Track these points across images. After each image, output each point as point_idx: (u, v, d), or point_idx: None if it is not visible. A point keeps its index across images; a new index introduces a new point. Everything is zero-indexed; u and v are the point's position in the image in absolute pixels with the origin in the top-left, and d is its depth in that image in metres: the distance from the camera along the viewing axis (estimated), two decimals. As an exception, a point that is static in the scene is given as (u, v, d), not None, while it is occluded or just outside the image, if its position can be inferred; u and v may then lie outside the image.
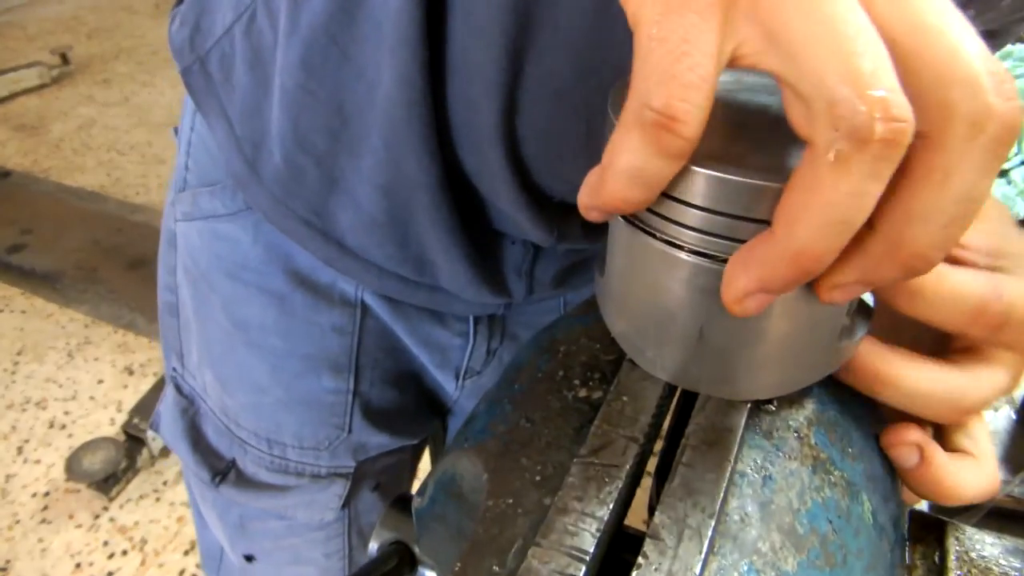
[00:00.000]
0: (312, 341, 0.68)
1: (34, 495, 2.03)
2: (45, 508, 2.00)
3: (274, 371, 0.69)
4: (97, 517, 1.98)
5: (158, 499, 2.03)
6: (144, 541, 1.92)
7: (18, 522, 1.95)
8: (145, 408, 2.09)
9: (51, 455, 2.14)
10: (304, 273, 0.65)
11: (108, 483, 2.00)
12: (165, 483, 2.07)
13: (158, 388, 2.15)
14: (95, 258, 2.92)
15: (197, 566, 1.86)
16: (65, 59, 4.24)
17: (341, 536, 0.79)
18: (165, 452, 2.13)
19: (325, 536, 0.78)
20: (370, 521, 0.79)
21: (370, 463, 0.76)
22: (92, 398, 2.34)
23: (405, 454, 0.82)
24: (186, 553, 1.89)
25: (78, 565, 1.86)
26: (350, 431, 0.72)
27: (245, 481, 0.73)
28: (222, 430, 0.73)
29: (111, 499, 2.02)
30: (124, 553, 1.89)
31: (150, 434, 2.04)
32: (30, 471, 2.10)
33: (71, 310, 2.68)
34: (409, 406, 0.77)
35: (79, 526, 1.96)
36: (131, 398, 2.24)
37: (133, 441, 2.07)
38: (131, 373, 2.43)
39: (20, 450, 2.15)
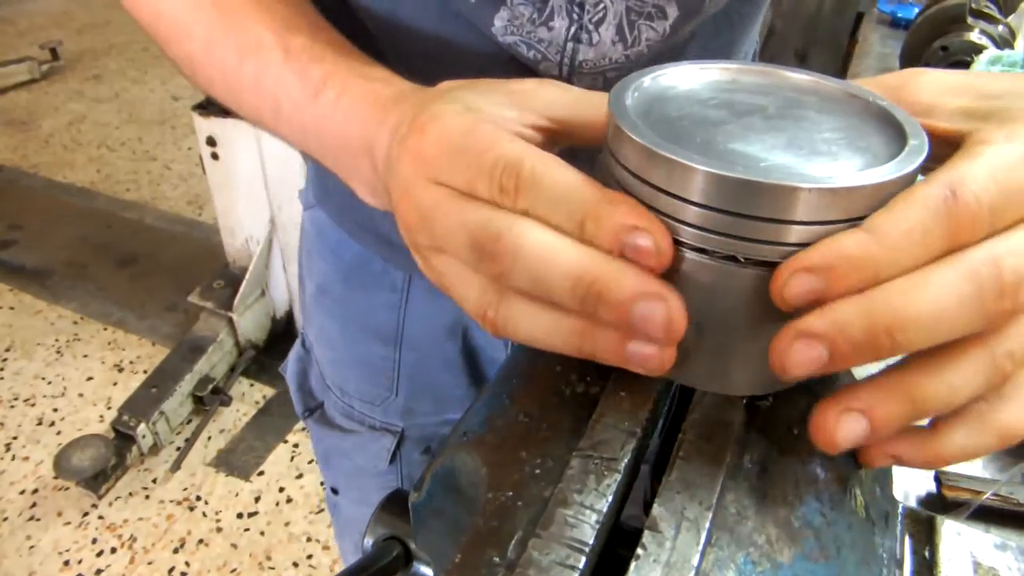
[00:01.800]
0: (368, 313, 0.82)
1: (22, 492, 2.02)
2: (34, 505, 1.99)
3: (342, 333, 0.85)
4: (86, 515, 1.98)
5: (147, 496, 2.03)
6: (133, 539, 1.92)
7: (6, 519, 1.94)
8: (135, 405, 2.09)
9: (40, 452, 2.13)
10: (363, 257, 0.79)
11: (97, 480, 2.00)
12: (155, 481, 2.07)
13: (147, 385, 2.15)
14: (85, 255, 2.91)
15: (187, 564, 1.86)
16: (55, 54, 4.22)
17: (396, 485, 0.92)
18: (154, 450, 2.12)
19: (382, 483, 0.92)
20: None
21: (417, 428, 0.88)
22: (81, 395, 2.33)
23: (448, 431, 0.89)
24: (175, 551, 1.88)
25: (67, 563, 1.86)
26: (397, 394, 0.86)
27: (325, 420, 0.92)
28: (319, 377, 0.92)
29: (100, 496, 2.01)
30: (113, 551, 1.89)
31: (139, 432, 2.04)
32: (18, 468, 2.09)
33: (60, 307, 2.67)
34: (451, 383, 0.86)
35: (68, 524, 1.95)
36: (120, 395, 2.23)
37: (122, 438, 2.06)
38: (120, 370, 2.42)
39: (8, 447, 2.14)
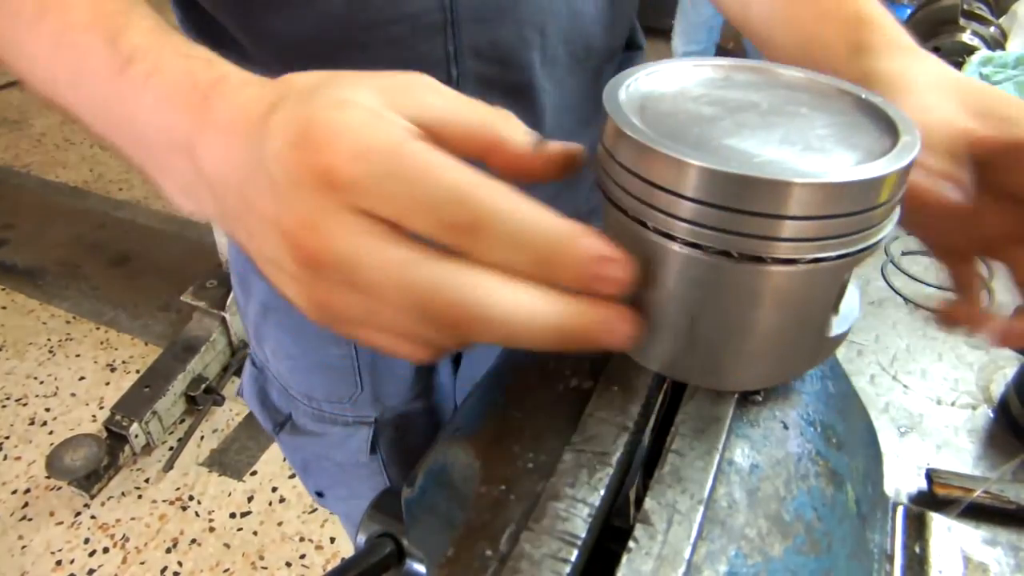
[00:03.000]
0: None
1: (14, 492, 2.01)
2: (26, 505, 1.98)
3: (297, 342, 0.84)
4: (78, 514, 1.97)
5: (140, 496, 2.02)
6: (126, 538, 1.91)
7: (-2, 519, 1.94)
8: (127, 405, 2.08)
9: (32, 452, 2.12)
10: None
11: (89, 480, 1.99)
12: (147, 480, 2.06)
13: (140, 385, 2.14)
14: (77, 254, 2.90)
15: (179, 563, 1.85)
16: (48, 54, 4.21)
17: (381, 474, 0.94)
18: (147, 449, 2.12)
19: (368, 473, 0.93)
20: (401, 461, 0.95)
21: (389, 411, 0.89)
22: (73, 395, 2.32)
23: (419, 405, 0.92)
24: (168, 551, 1.88)
25: (59, 563, 1.85)
26: (362, 388, 0.85)
27: (297, 429, 0.91)
28: (281, 391, 0.90)
29: (92, 496, 2.00)
30: (105, 551, 1.88)
31: (131, 431, 2.03)
32: (10, 468, 2.08)
33: (53, 306, 2.66)
34: (409, 365, 0.87)
35: (60, 523, 1.94)
36: (113, 395, 2.22)
37: (115, 438, 2.05)
38: (113, 370, 2.41)
39: (0, 447, 2.14)
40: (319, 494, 1.01)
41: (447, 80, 0.59)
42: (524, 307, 0.28)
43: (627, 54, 0.78)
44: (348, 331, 0.32)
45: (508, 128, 0.32)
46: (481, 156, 0.32)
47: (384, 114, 0.29)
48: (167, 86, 0.36)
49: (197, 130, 0.34)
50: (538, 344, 0.29)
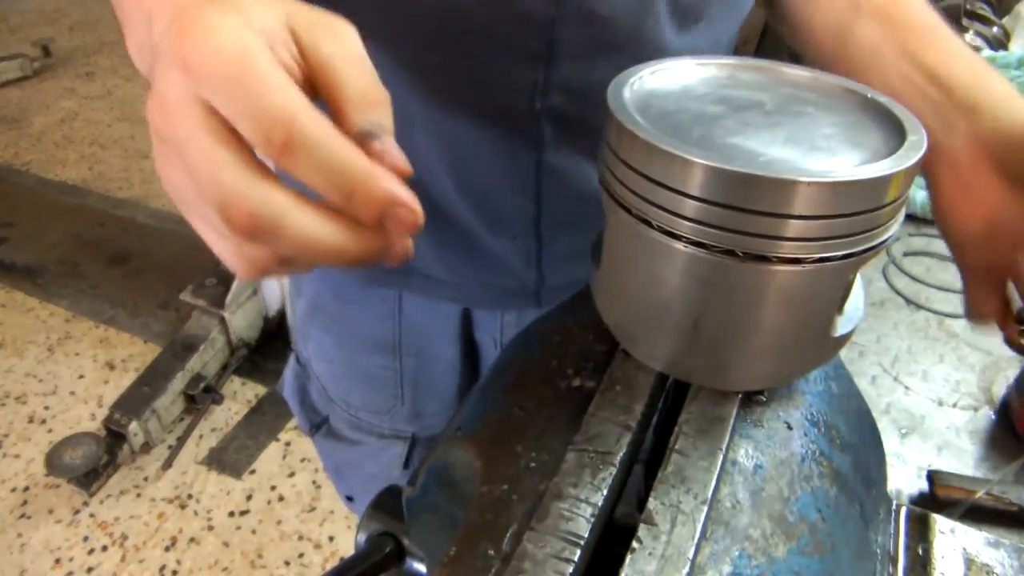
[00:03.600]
0: (364, 326, 0.81)
1: (13, 490, 2.01)
2: (24, 503, 1.98)
3: (340, 347, 0.84)
4: (77, 513, 1.97)
5: (139, 495, 2.02)
6: (124, 537, 1.91)
7: (-4, 517, 1.94)
8: (126, 403, 2.08)
9: (31, 450, 2.12)
10: (350, 273, 0.78)
11: (88, 478, 1.99)
12: (146, 479, 2.06)
13: (139, 383, 2.14)
14: (77, 252, 2.89)
15: (178, 562, 1.85)
16: (47, 51, 4.20)
17: None
18: (146, 448, 2.11)
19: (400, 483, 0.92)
20: None
21: (427, 430, 0.88)
22: (72, 393, 2.32)
23: None
24: (167, 549, 1.88)
25: (57, 561, 1.84)
26: (403, 401, 0.85)
27: (333, 434, 0.92)
28: (321, 392, 0.91)
29: (91, 495, 2.00)
30: (104, 549, 1.88)
31: (130, 430, 2.03)
32: (9, 466, 2.07)
33: (52, 304, 2.66)
34: (456, 383, 0.87)
35: (59, 521, 1.94)
36: (112, 393, 2.22)
37: (114, 436, 2.05)
38: (112, 368, 2.41)
39: (-1, 444, 2.14)
40: (349, 498, 1.02)
41: (528, 112, 0.57)
42: (310, 226, 0.31)
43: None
44: (184, 211, 0.35)
45: (360, 105, 0.33)
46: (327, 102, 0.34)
47: (253, 23, 0.32)
48: None
49: (156, 7, 0.36)
50: (323, 261, 0.32)
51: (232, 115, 0.30)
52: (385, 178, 0.31)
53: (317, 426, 0.93)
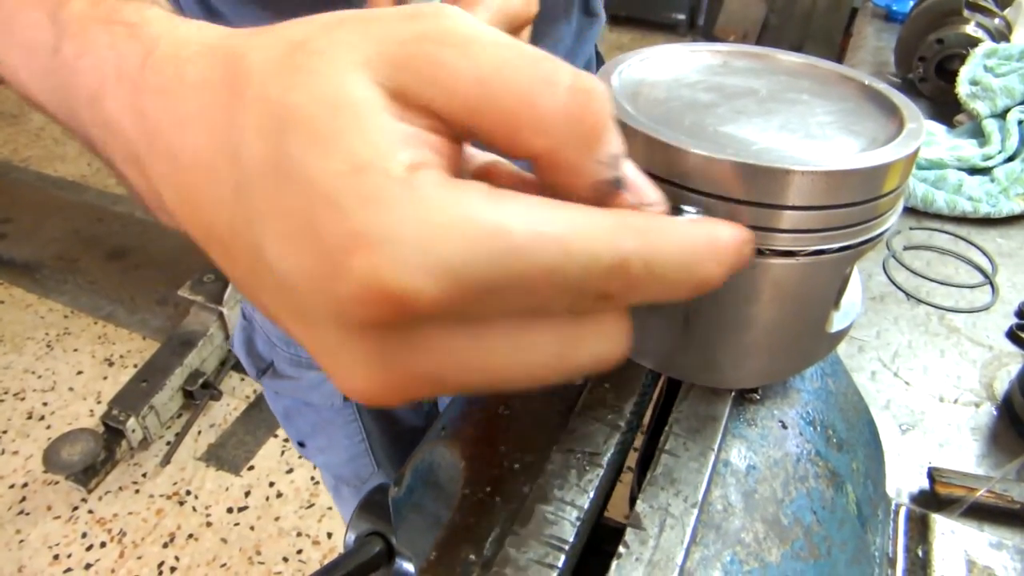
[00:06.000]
0: None
1: (12, 486, 2.01)
2: (23, 499, 1.98)
3: None
4: (75, 509, 1.96)
5: (137, 491, 2.01)
6: (123, 533, 1.90)
7: (-6, 514, 1.93)
8: (125, 399, 2.07)
9: (29, 446, 2.11)
10: None
11: (87, 475, 1.98)
12: (144, 475, 2.05)
13: (137, 379, 2.13)
14: (75, 248, 2.89)
15: (176, 558, 1.84)
16: (47, 46, 4.19)
17: (356, 422, 1.01)
18: (144, 444, 2.11)
19: (343, 420, 1.00)
20: (374, 409, 1.00)
21: None
22: (71, 389, 2.31)
23: None
24: (165, 545, 1.87)
25: (56, 557, 1.84)
26: None
27: (277, 375, 0.98)
28: (264, 339, 0.97)
29: (90, 491, 2.00)
30: (102, 545, 1.87)
31: (129, 426, 2.02)
32: (7, 462, 2.07)
33: (50, 300, 2.65)
34: None
35: (57, 518, 1.94)
36: (110, 389, 2.21)
37: (112, 432, 2.04)
38: (111, 364, 2.40)
39: (-3, 441, 2.13)
40: (301, 444, 1.07)
41: None
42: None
43: (586, 19, 0.78)
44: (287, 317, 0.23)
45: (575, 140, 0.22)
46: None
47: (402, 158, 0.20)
48: (98, 75, 0.27)
49: (141, 136, 0.25)
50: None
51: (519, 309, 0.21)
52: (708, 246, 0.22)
53: (263, 371, 0.99)
